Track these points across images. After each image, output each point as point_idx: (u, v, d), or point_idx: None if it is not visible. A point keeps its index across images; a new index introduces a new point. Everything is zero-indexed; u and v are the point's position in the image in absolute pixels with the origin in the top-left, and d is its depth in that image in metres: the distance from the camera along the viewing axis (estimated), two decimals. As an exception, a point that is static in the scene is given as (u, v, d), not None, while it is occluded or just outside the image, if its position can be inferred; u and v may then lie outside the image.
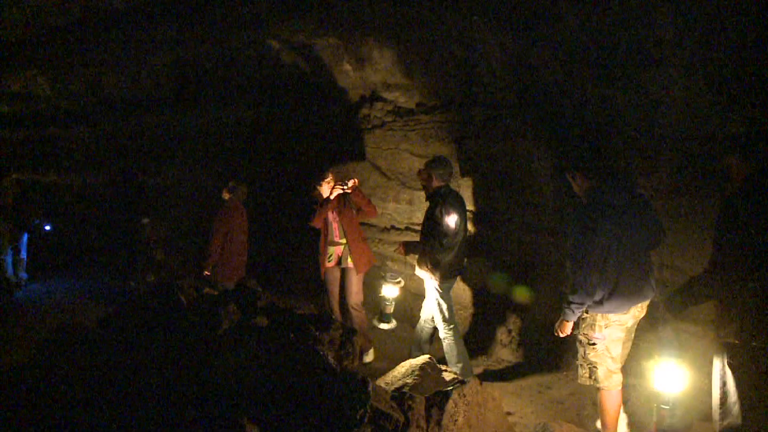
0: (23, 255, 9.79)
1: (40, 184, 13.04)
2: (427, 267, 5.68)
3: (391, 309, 6.23)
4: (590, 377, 4.19)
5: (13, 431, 2.71)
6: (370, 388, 3.30)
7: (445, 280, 5.73)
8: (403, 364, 5.54)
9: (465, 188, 6.85)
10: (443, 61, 6.49)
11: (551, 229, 6.07)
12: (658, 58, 4.75)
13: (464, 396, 4.00)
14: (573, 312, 4.03)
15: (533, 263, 6.49)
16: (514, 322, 6.64)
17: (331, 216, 6.52)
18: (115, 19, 8.72)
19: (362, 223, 7.64)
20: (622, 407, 4.28)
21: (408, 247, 6.08)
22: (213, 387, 2.81)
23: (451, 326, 5.83)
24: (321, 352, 3.43)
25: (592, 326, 4.08)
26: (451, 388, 4.13)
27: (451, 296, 5.93)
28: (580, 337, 4.20)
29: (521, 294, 6.58)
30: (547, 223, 6.16)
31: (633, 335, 4.26)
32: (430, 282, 5.78)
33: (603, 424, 4.26)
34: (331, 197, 6.36)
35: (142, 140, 10.70)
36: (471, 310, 7.04)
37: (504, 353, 6.61)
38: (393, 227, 8.05)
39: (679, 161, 4.95)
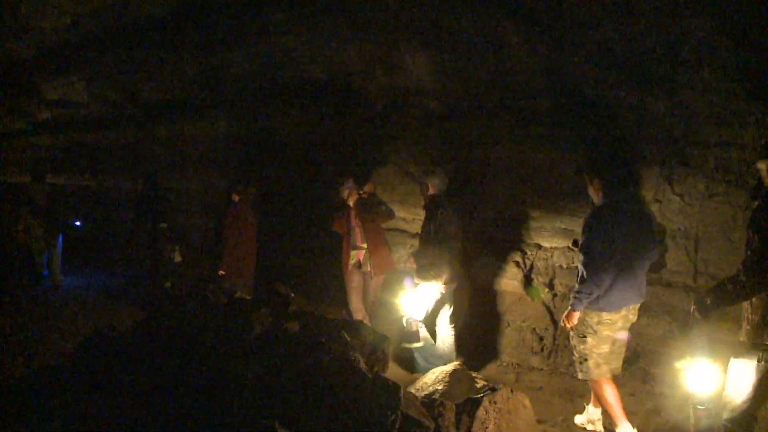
0: (59, 254, 10.23)
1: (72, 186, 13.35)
2: (430, 273, 5.89)
3: (416, 326, 6.20)
4: (582, 371, 4.52)
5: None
6: (401, 395, 3.31)
7: (448, 283, 5.95)
8: (433, 370, 5.56)
9: (495, 193, 6.82)
10: (474, 67, 6.47)
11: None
12: (693, 62, 4.70)
13: (495, 403, 3.99)
14: (581, 301, 4.31)
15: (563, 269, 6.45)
16: (545, 329, 6.59)
17: (354, 221, 6.71)
18: (150, 26, 8.88)
19: (395, 229, 7.72)
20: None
21: (416, 257, 6.23)
22: (245, 391, 2.84)
23: (452, 327, 6.10)
24: (352, 358, 3.44)
25: (584, 322, 4.43)
26: (481, 395, 4.12)
27: (454, 299, 6.14)
28: (572, 333, 4.56)
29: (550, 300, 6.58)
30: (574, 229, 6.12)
31: (625, 340, 4.54)
32: (433, 286, 5.95)
33: (610, 412, 4.49)
34: (349, 202, 6.64)
35: (175, 145, 10.84)
36: (503, 318, 7.00)
37: (535, 360, 6.56)
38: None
39: (714, 167, 4.88)
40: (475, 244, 7.04)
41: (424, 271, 5.99)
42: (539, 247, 6.76)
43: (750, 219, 3.50)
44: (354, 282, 6.79)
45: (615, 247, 4.19)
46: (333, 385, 2.97)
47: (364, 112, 7.92)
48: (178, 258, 8.26)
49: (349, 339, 3.70)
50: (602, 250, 4.18)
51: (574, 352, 4.60)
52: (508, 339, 6.83)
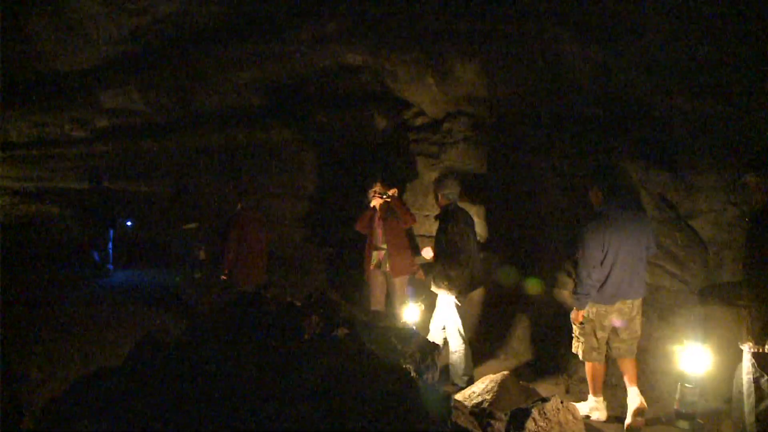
0: (110, 249, 11.23)
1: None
2: (443, 283, 6.00)
3: None
4: (576, 349, 5.19)
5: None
6: (451, 403, 3.29)
7: (461, 294, 6.03)
8: (482, 379, 5.51)
9: (547, 202, 6.73)
10: (527, 75, 6.43)
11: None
12: (748, 68, 4.57)
13: (544, 414, 3.94)
14: (580, 302, 4.93)
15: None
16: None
17: (377, 222, 6.93)
18: (205, 37, 9.09)
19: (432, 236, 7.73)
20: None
21: (426, 269, 6.39)
22: (295, 397, 2.86)
23: (463, 339, 6.09)
24: (403, 365, 3.44)
25: (580, 314, 5.03)
26: (531, 405, 4.07)
27: (463, 309, 6.17)
28: (573, 317, 5.14)
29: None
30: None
31: (635, 324, 4.99)
32: (446, 297, 6.06)
33: (589, 385, 5.20)
34: (372, 205, 6.87)
35: (234, 152, 11.03)
36: (552, 330, 6.89)
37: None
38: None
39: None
40: (522, 254, 6.98)
41: (437, 281, 6.09)
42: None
43: (747, 231, 3.88)
44: (376, 282, 6.99)
45: (607, 249, 4.72)
46: (383, 392, 2.97)
47: (417, 120, 7.94)
48: (202, 256, 8.59)
49: (399, 346, 3.70)
50: (593, 255, 4.73)
51: (574, 335, 5.23)
52: (559, 350, 6.72)
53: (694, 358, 4.23)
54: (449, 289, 5.98)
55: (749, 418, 3.68)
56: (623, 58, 5.39)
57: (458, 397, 5.03)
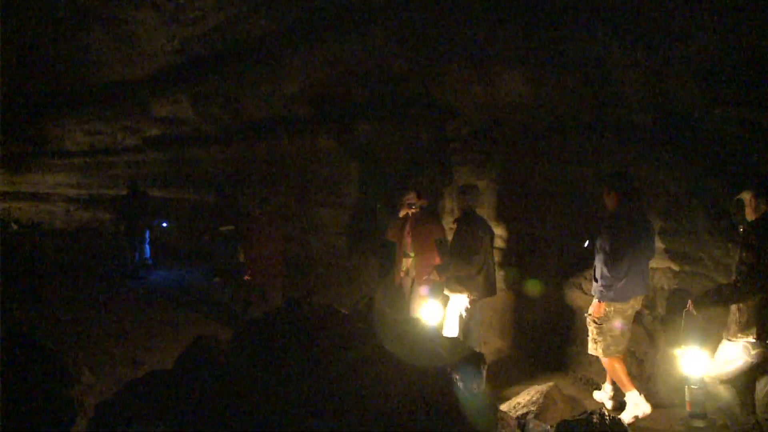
0: (147, 247, 12.26)
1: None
2: (458, 285, 6.15)
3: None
4: (596, 349, 5.30)
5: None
6: (498, 414, 3.26)
7: (476, 298, 6.18)
8: (528, 390, 5.45)
9: (595, 212, 6.62)
10: (573, 82, 6.35)
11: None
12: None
13: (591, 427, 3.86)
14: (605, 294, 5.08)
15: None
16: (645, 353, 6.32)
17: (406, 231, 7.02)
18: (253, 47, 9.25)
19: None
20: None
21: (439, 270, 6.37)
22: (344, 407, 2.87)
23: (476, 342, 6.22)
24: (451, 375, 3.42)
25: (598, 309, 5.21)
26: (577, 417, 4.00)
27: (478, 315, 6.40)
28: (590, 317, 5.30)
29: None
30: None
31: (631, 325, 5.32)
32: (460, 299, 6.19)
33: (619, 384, 5.33)
34: (402, 214, 7.01)
35: (283, 161, 11.18)
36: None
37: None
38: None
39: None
40: (566, 265, 6.88)
41: (450, 283, 6.24)
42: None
43: (742, 240, 4.26)
44: (408, 289, 7.12)
45: (627, 248, 5.02)
46: (430, 402, 2.96)
47: (462, 128, 7.91)
48: (241, 258, 8.95)
49: (444, 354, 3.68)
50: (618, 249, 5.00)
51: (591, 335, 5.34)
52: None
53: (694, 360, 4.45)
54: (461, 291, 6.15)
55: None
56: (672, 64, 5.29)
57: (503, 407, 4.98)
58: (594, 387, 6.26)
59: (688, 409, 4.45)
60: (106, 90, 13.38)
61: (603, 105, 6.21)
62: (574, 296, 6.69)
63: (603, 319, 5.19)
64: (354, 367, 3.19)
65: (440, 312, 6.35)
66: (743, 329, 4.20)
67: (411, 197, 6.96)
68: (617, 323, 5.20)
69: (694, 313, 4.48)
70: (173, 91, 11.90)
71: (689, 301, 4.55)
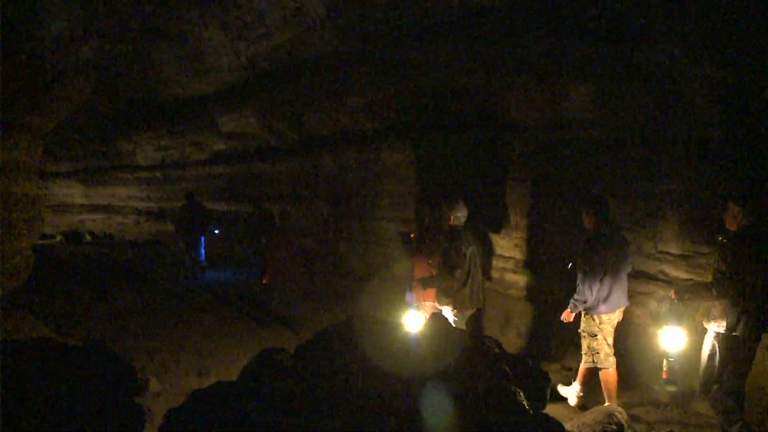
0: (202, 251, 13.66)
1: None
2: (445, 298, 6.50)
3: None
4: (593, 361, 5.68)
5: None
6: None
7: (461, 311, 6.48)
8: (592, 410, 5.32)
9: (662, 231, 6.42)
10: (641, 96, 6.20)
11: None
12: None
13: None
14: (576, 306, 5.68)
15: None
16: (706, 367, 6.06)
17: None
18: (318, 63, 9.38)
19: None
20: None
21: (424, 282, 6.70)
22: (407, 422, 2.86)
23: None
24: (515, 392, 3.37)
25: (590, 323, 5.69)
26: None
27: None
28: (584, 333, 5.77)
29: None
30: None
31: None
32: (447, 312, 6.50)
33: (607, 395, 5.71)
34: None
35: (346, 174, 11.28)
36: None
37: (701, 406, 6.05)
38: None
39: None
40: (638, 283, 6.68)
41: (438, 296, 6.58)
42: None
43: (719, 249, 4.90)
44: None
45: (607, 265, 5.48)
46: (494, 421, 2.91)
47: (527, 144, 7.81)
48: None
49: (511, 373, 3.63)
50: (594, 269, 5.47)
51: (585, 349, 5.78)
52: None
53: (672, 338, 5.20)
54: (447, 304, 6.49)
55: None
56: (744, 76, 5.10)
57: (568, 427, 4.86)
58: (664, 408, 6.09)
59: (664, 377, 5.26)
60: (176, 106, 13.79)
61: (671, 119, 6.05)
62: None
63: (596, 330, 5.66)
64: (421, 384, 3.16)
65: (421, 320, 6.43)
66: (717, 319, 4.93)
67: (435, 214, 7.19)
68: (608, 333, 5.68)
69: (675, 300, 5.24)
70: (239, 107, 12.17)
71: (672, 291, 5.33)
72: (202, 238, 13.60)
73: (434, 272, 6.78)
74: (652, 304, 6.54)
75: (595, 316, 5.66)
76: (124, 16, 6.89)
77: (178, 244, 14.39)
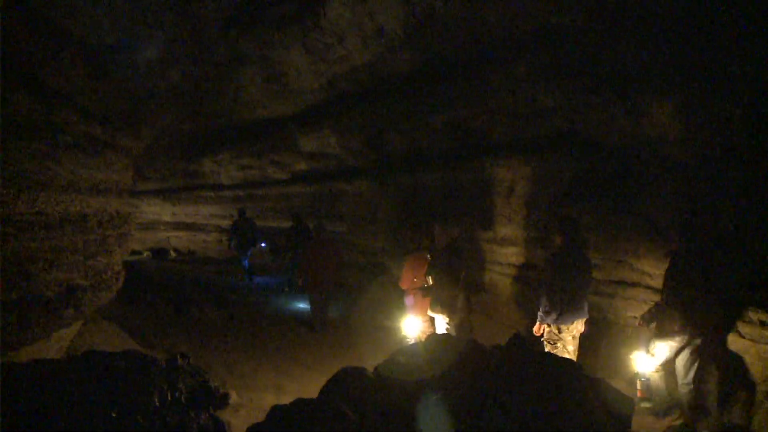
0: (245, 261, 15.74)
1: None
2: (439, 308, 7.34)
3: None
4: None
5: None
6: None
7: (452, 318, 7.32)
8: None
9: (752, 252, 6.08)
10: (728, 111, 5.92)
11: None
12: None
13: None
14: (543, 320, 6.27)
15: None
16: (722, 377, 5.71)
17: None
18: (397, 82, 9.44)
19: (639, 284, 7.53)
20: None
21: (423, 292, 7.56)
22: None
23: None
24: (596, 418, 3.26)
25: (552, 333, 6.32)
26: None
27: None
28: (546, 341, 6.39)
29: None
30: None
31: (577, 342, 6.42)
32: (440, 319, 7.42)
33: None
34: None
35: (425, 193, 11.28)
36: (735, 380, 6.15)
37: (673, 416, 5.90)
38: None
39: None
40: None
41: (432, 305, 7.40)
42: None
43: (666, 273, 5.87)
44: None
45: (566, 281, 6.07)
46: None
47: (606, 164, 7.60)
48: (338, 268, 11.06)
49: (592, 397, 3.50)
50: (556, 283, 6.09)
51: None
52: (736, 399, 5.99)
53: (643, 360, 5.98)
54: (440, 312, 7.33)
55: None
56: None
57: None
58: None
59: (639, 395, 5.90)
60: (257, 126, 14.15)
61: (762, 133, 5.76)
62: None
63: (556, 339, 6.27)
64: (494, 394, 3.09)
65: (419, 326, 7.73)
66: (672, 331, 5.69)
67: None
68: (568, 342, 6.28)
69: (642, 324, 6.12)
70: (320, 127, 12.36)
71: (639, 318, 6.20)
72: (250, 250, 15.64)
73: (426, 282, 7.56)
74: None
75: (554, 327, 6.29)
76: (210, 41, 7.14)
77: (230, 250, 16.30)
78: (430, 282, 7.43)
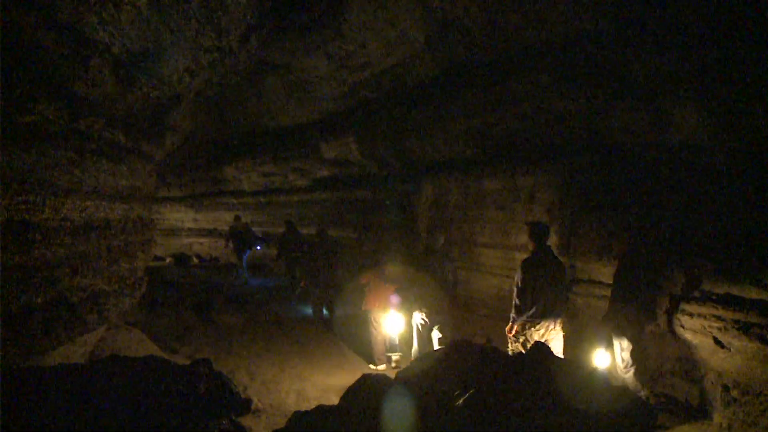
0: (244, 263, 16.44)
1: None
2: (420, 308, 8.07)
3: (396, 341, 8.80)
4: None
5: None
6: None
7: (432, 317, 8.01)
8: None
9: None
10: (756, 118, 5.83)
11: None
12: None
13: None
14: (515, 320, 6.59)
15: None
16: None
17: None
18: (419, 90, 9.45)
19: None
20: None
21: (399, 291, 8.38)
22: None
23: (415, 346, 8.33)
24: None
25: (517, 332, 6.59)
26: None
27: (433, 333, 8.08)
28: (511, 337, 6.68)
29: None
30: None
31: (556, 342, 6.55)
32: (417, 316, 8.15)
33: None
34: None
35: (447, 200, 11.27)
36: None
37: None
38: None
39: None
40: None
41: (419, 302, 8.06)
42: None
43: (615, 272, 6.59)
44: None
45: (536, 282, 6.39)
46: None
47: (633, 171, 7.51)
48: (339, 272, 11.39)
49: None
50: (525, 285, 6.44)
51: (510, 346, 6.70)
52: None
53: (602, 358, 6.51)
54: (418, 309, 8.09)
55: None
56: None
57: None
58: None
59: None
60: (279, 134, 14.25)
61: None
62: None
63: (519, 336, 6.57)
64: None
65: (402, 323, 8.53)
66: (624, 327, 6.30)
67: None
68: (533, 340, 6.41)
69: (602, 328, 6.56)
70: (341, 134, 12.40)
71: (600, 320, 6.68)
72: (248, 252, 16.52)
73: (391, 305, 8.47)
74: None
75: (521, 324, 6.58)
76: (233, 49, 7.21)
77: (228, 253, 17.40)
78: (398, 302, 8.38)
